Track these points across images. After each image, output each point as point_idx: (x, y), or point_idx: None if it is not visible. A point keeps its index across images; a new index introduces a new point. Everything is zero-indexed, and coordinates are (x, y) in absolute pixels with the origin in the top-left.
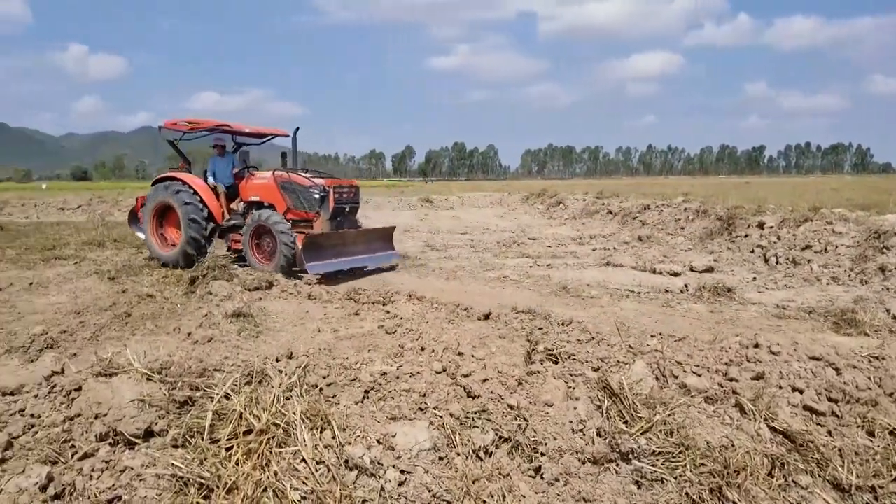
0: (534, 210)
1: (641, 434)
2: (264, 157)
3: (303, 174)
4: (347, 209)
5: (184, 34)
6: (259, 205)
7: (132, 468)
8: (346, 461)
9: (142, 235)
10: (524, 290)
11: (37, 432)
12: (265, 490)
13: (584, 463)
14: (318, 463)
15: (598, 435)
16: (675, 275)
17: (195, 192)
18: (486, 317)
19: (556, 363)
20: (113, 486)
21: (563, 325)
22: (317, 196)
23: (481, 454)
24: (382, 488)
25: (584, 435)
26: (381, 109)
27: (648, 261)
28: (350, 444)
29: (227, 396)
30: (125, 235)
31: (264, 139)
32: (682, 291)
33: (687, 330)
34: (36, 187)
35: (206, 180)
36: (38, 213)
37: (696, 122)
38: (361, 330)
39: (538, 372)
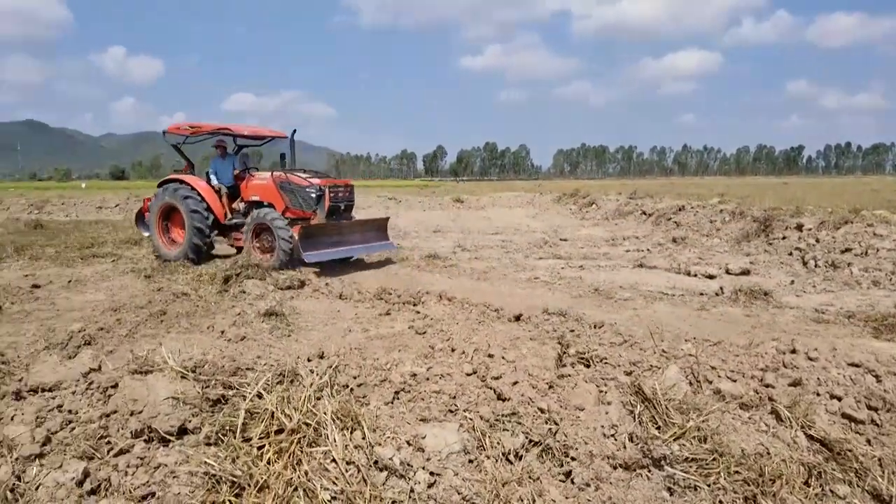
0: (566, 210)
1: (674, 440)
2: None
3: (300, 175)
4: (343, 207)
5: (219, 37)
6: (259, 204)
7: (166, 465)
8: (376, 462)
9: (147, 234)
10: (556, 292)
11: (74, 428)
12: (296, 489)
13: (615, 468)
14: (348, 463)
15: (630, 440)
16: (711, 277)
17: (200, 197)
18: (517, 318)
19: (588, 367)
20: (147, 482)
21: (595, 327)
22: (313, 195)
23: (511, 457)
24: (412, 490)
25: (616, 440)
26: (413, 109)
27: (683, 263)
28: (380, 444)
29: (259, 395)
30: None
31: (263, 141)
32: (717, 294)
33: (722, 334)
34: (76, 186)
35: (208, 181)
36: (78, 212)
37: (733, 122)
38: (392, 330)
39: (569, 375)
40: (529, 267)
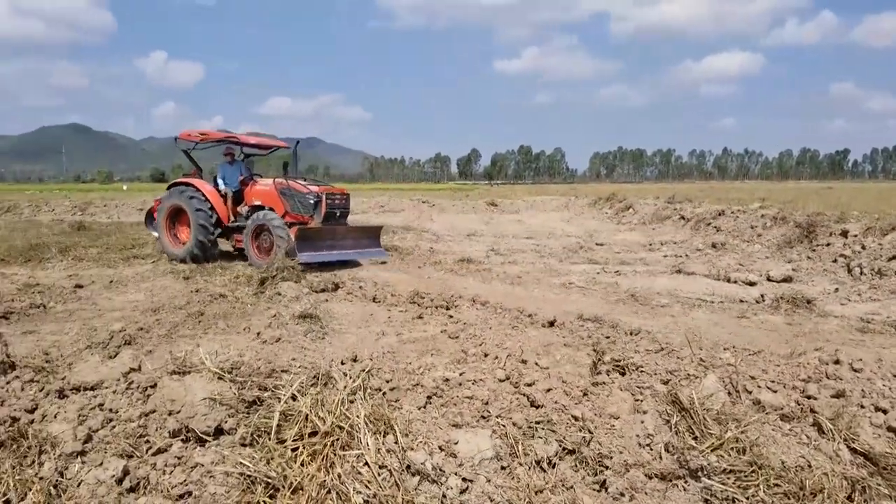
0: (602, 215)
1: (712, 451)
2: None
3: (300, 182)
4: (338, 214)
5: (257, 41)
6: (261, 208)
7: (202, 465)
8: (409, 466)
9: (155, 234)
10: (590, 298)
11: (114, 427)
12: (329, 492)
13: (650, 478)
14: (380, 467)
15: (666, 450)
16: (751, 284)
17: (205, 198)
18: (551, 324)
19: (623, 374)
20: (184, 481)
21: (631, 334)
22: (311, 201)
23: (544, 465)
24: (444, 495)
25: (652, 449)
26: (447, 113)
27: (722, 269)
28: (412, 449)
29: (293, 397)
30: None
31: (269, 151)
32: (757, 302)
33: (762, 343)
34: (117, 188)
35: (215, 185)
36: (119, 214)
37: (775, 125)
38: (425, 334)
39: (604, 383)
40: (564, 272)
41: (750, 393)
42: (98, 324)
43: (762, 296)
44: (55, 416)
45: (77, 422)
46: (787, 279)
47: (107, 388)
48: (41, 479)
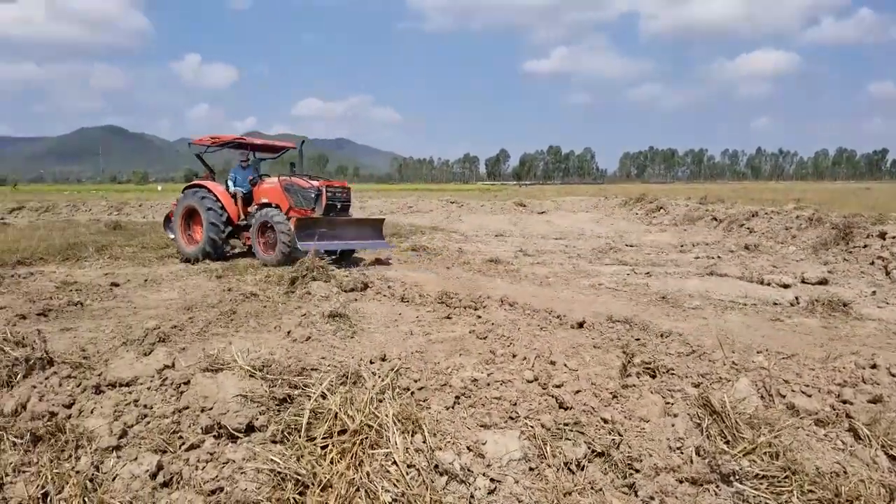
0: (632, 215)
1: (744, 455)
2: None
3: (303, 178)
4: (339, 206)
5: (289, 44)
6: (268, 206)
7: (234, 461)
8: (437, 466)
9: (172, 236)
10: (620, 299)
11: (149, 422)
12: (358, 490)
13: (681, 482)
14: (408, 466)
15: (697, 454)
16: (786, 286)
17: (217, 199)
18: (580, 325)
19: (654, 377)
20: (216, 477)
21: (661, 336)
22: (312, 195)
23: (573, 467)
24: (472, 496)
25: (682, 453)
26: (476, 114)
27: (756, 271)
28: (440, 449)
29: (323, 396)
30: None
31: (278, 153)
32: (792, 304)
33: (797, 346)
34: (152, 189)
35: (227, 186)
36: (154, 214)
37: (811, 125)
38: (453, 334)
39: (634, 385)
40: (593, 273)
41: (783, 397)
42: (133, 321)
43: (797, 298)
44: (91, 412)
45: (113, 417)
46: (823, 281)
47: (141, 384)
48: (78, 472)
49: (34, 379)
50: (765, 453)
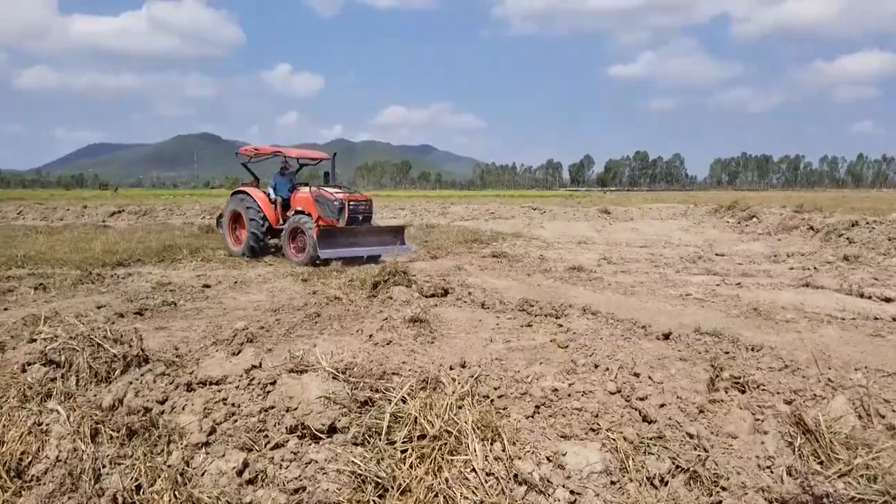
0: (722, 224)
1: (839, 477)
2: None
3: (331, 190)
4: (361, 218)
5: (374, 51)
6: (302, 213)
7: (316, 461)
8: (516, 475)
9: (223, 233)
10: (709, 310)
11: (236, 420)
12: (436, 495)
13: (770, 503)
14: (487, 474)
15: (789, 474)
16: (887, 300)
17: (259, 207)
18: (666, 336)
19: (743, 392)
20: (299, 476)
21: (752, 350)
22: (337, 207)
23: (656, 482)
24: None
25: (772, 472)
26: (560, 119)
27: (855, 283)
28: (520, 458)
29: (403, 400)
30: None
31: (314, 162)
32: (894, 319)
33: None
34: None
35: (267, 193)
36: None
37: None
38: (533, 342)
39: (722, 400)
40: (681, 283)
41: (883, 417)
42: (223, 321)
43: None
44: (183, 408)
45: (202, 414)
46: None
47: (230, 383)
48: (169, 466)
49: (131, 375)
50: (862, 476)
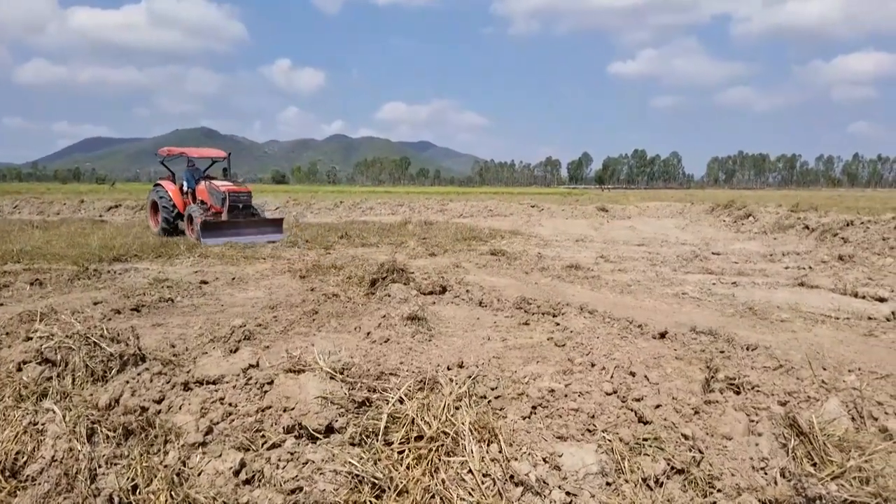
0: (719, 223)
1: (832, 479)
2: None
3: (218, 183)
4: (241, 206)
5: (375, 48)
6: (202, 202)
7: (313, 461)
8: (512, 476)
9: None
10: (705, 309)
11: (233, 420)
12: (433, 497)
13: None
14: (484, 475)
15: (782, 476)
16: (882, 300)
17: (169, 197)
18: (662, 336)
19: (738, 393)
20: (296, 476)
21: (747, 350)
22: (221, 197)
23: (651, 483)
24: None
25: (766, 474)
26: (559, 117)
27: (850, 283)
28: (516, 459)
29: (400, 401)
30: (316, 237)
31: (214, 160)
32: (888, 320)
33: (892, 365)
34: None
35: (180, 186)
36: None
37: None
38: (530, 340)
39: (717, 402)
40: (677, 281)
41: (876, 420)
42: (220, 318)
43: (893, 313)
44: (180, 408)
45: (199, 414)
46: None
47: (227, 382)
48: (166, 466)
49: (127, 374)
50: (854, 478)
